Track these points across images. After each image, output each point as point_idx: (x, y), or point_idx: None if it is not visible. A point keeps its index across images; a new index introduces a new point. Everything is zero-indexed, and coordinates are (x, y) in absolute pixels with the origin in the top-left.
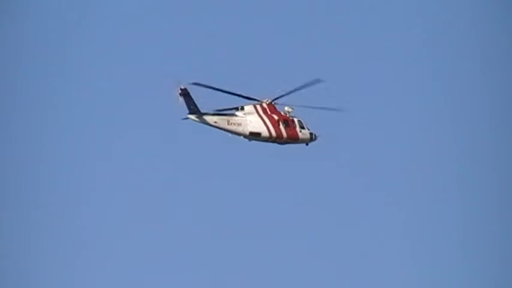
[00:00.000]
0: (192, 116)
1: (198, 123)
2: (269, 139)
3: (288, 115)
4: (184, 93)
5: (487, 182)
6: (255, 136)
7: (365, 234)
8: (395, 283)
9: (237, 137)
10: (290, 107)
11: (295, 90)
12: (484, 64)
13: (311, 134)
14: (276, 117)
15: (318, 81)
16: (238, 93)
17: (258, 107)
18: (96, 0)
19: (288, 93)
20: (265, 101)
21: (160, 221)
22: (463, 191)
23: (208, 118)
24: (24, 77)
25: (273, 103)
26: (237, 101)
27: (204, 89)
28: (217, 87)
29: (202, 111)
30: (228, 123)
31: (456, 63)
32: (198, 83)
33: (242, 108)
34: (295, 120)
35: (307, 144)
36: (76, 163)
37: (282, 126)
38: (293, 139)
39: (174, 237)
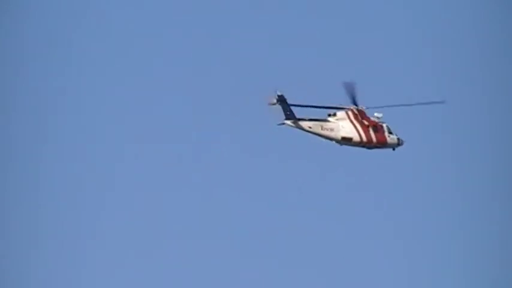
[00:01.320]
0: (288, 122)
1: (294, 129)
2: (359, 144)
3: (377, 121)
4: (281, 100)
5: (486, 183)
6: (346, 141)
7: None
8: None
9: (329, 141)
10: (379, 113)
11: (387, 106)
12: (484, 64)
13: (398, 139)
14: (366, 122)
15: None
16: (328, 105)
17: (350, 113)
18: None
19: (382, 107)
20: (356, 107)
21: (251, 226)
22: (462, 192)
23: (303, 124)
24: (24, 77)
25: (363, 109)
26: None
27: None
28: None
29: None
30: (322, 129)
31: (456, 63)
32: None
33: (334, 114)
34: (384, 125)
35: (393, 149)
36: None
37: (371, 132)
38: (382, 144)
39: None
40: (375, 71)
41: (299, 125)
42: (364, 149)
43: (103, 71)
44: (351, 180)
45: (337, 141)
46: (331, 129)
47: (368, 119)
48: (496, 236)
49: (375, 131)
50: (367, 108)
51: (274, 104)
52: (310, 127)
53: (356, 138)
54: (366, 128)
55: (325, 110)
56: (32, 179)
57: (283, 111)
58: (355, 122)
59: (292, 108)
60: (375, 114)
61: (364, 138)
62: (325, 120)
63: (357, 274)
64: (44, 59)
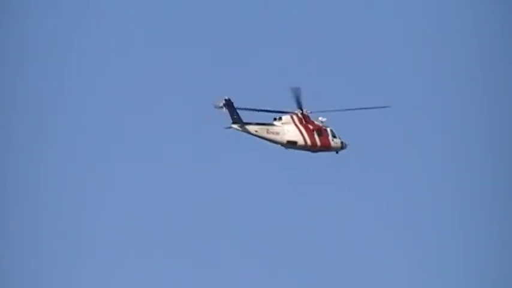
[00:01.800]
0: (235, 126)
1: (240, 132)
2: (304, 147)
3: (321, 125)
4: (228, 104)
5: (487, 183)
6: (291, 144)
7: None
8: None
9: (274, 145)
10: (324, 117)
11: (334, 110)
12: (484, 64)
13: (342, 142)
14: (311, 126)
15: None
16: (272, 109)
17: (295, 117)
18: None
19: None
20: (301, 111)
21: (201, 231)
22: (462, 192)
23: (249, 127)
24: (24, 77)
25: (307, 113)
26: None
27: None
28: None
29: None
30: (268, 132)
31: (456, 63)
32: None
33: (280, 118)
34: (328, 129)
35: (337, 152)
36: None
37: (316, 135)
38: (325, 147)
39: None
40: (374, 71)
41: (245, 128)
42: (309, 152)
43: (103, 71)
44: (297, 182)
45: (283, 144)
46: (277, 133)
47: (312, 123)
48: (495, 236)
49: (319, 134)
50: (312, 112)
51: (220, 107)
52: (256, 131)
53: (301, 141)
54: (310, 132)
55: (271, 114)
56: (32, 179)
57: (230, 115)
58: (299, 126)
59: (240, 112)
60: (319, 118)
61: (309, 142)
62: (271, 124)
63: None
64: (44, 59)
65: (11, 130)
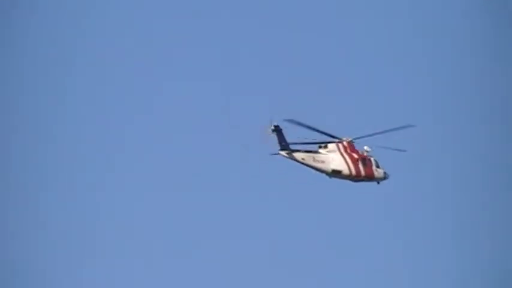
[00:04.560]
0: (283, 152)
1: (287, 159)
2: (349, 177)
3: (366, 154)
4: (277, 130)
5: (486, 183)
6: (336, 173)
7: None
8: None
9: (319, 173)
10: (369, 147)
11: (381, 132)
12: (484, 64)
13: (384, 173)
14: (356, 156)
15: (408, 126)
16: (325, 131)
17: (340, 145)
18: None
19: (371, 135)
20: (345, 139)
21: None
22: (462, 192)
23: (296, 155)
24: (25, 77)
25: (352, 142)
26: (316, 136)
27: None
28: (308, 125)
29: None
30: (314, 160)
31: (456, 64)
32: (293, 120)
33: (326, 146)
34: (372, 159)
35: (378, 183)
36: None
37: (360, 165)
38: (369, 177)
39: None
40: (372, 72)
41: (292, 156)
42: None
43: (103, 71)
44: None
45: (328, 173)
46: (323, 161)
47: (357, 152)
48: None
49: (364, 164)
50: (355, 139)
51: (270, 133)
52: (303, 158)
53: (345, 171)
54: (355, 161)
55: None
56: (32, 179)
57: (279, 141)
58: (344, 154)
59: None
60: (365, 147)
61: (354, 172)
62: (317, 152)
63: None
64: (44, 59)
65: (11, 130)
